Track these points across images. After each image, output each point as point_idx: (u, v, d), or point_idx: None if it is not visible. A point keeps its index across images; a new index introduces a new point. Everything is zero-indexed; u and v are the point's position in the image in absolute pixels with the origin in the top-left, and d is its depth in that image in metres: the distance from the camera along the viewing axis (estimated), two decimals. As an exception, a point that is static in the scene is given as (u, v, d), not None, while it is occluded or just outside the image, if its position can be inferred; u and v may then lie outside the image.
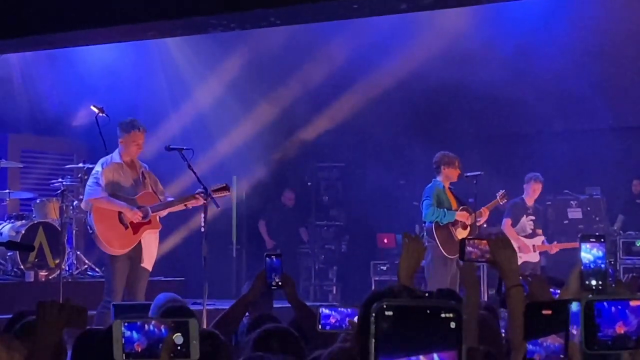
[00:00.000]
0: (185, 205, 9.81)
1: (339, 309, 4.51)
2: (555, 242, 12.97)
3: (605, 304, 2.47)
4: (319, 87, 14.73)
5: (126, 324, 2.91)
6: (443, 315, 1.68)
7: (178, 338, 2.90)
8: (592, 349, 2.50)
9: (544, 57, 13.93)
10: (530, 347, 2.62)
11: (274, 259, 5.24)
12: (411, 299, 1.87)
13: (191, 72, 15.11)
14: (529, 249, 12.67)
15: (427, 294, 5.21)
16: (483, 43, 13.90)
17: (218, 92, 14.92)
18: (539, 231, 12.90)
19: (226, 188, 9.92)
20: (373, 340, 1.67)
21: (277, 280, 5.21)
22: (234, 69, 14.67)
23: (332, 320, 4.50)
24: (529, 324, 2.65)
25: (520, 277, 4.10)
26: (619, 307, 2.49)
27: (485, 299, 12.40)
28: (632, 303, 2.51)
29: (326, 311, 4.51)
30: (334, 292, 15.97)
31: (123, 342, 2.90)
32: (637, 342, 2.51)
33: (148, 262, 9.64)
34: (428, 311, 1.69)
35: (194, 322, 2.91)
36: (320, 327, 4.66)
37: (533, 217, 12.89)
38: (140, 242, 9.58)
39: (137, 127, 9.63)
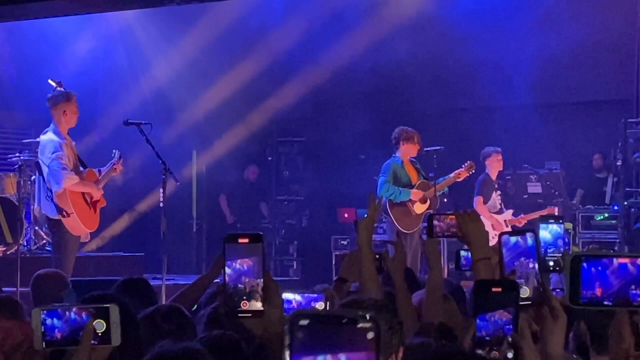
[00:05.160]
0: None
1: (305, 294, 4.43)
2: (522, 215, 12.96)
3: (585, 265, 2.49)
4: (279, 61, 14.69)
5: (45, 312, 2.87)
6: (360, 325, 1.64)
7: (99, 324, 2.86)
8: (577, 304, 2.52)
9: (503, 32, 13.96)
10: (478, 322, 2.63)
11: None
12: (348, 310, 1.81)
13: (151, 46, 14.99)
14: (501, 225, 12.59)
15: (377, 255, 5.24)
16: (441, 19, 13.93)
17: (178, 67, 14.84)
18: (503, 205, 12.92)
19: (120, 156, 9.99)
20: (287, 351, 1.64)
21: None
22: (194, 44, 14.58)
23: (294, 305, 4.38)
24: (479, 301, 2.66)
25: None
26: (599, 268, 2.51)
27: (446, 273, 12.45)
28: (616, 262, 2.52)
29: (289, 296, 4.39)
30: (295, 267, 15.96)
31: (43, 330, 2.86)
32: (612, 305, 2.53)
33: (85, 235, 9.70)
34: (345, 320, 1.65)
35: (114, 308, 2.87)
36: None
37: (499, 192, 12.88)
38: None
39: (73, 93, 9.64)
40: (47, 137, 9.58)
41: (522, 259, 2.93)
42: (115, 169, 9.90)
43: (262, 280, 2.87)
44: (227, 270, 2.86)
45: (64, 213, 9.48)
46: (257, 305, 2.85)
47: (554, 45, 13.76)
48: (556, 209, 13.35)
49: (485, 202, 12.66)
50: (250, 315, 2.87)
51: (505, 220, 12.69)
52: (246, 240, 2.88)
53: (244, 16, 14.03)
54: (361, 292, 4.59)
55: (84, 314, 2.86)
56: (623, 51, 13.84)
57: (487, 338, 2.64)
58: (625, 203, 13.01)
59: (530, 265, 2.91)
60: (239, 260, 2.85)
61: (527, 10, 14.12)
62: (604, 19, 13.72)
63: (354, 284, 5.04)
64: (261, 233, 2.95)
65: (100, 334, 2.86)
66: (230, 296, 2.85)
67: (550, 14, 14.13)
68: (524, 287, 2.86)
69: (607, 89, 14.40)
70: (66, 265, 9.36)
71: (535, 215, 12.95)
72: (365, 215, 4.76)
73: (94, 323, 2.85)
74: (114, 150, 10.05)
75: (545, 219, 3.88)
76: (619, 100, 14.24)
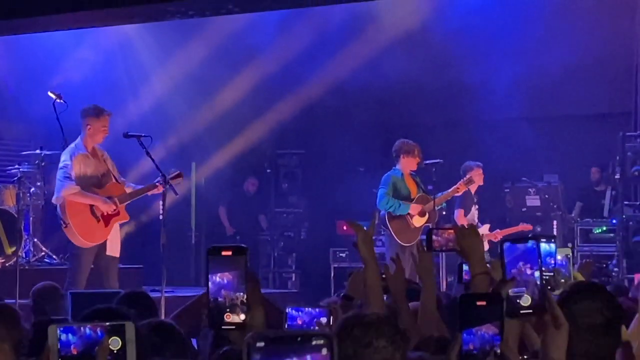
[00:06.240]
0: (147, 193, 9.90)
1: (306, 309, 4.49)
2: (497, 230, 12.97)
3: None
4: (278, 74, 14.70)
5: (62, 328, 2.85)
6: (314, 342, 1.68)
7: (114, 342, 2.84)
8: None
9: (502, 46, 13.99)
10: (465, 337, 2.64)
11: None
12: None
13: (150, 58, 15.01)
14: None
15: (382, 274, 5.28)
16: (441, 31, 13.95)
17: (177, 79, 14.85)
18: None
19: (180, 175, 10.00)
20: None
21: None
22: (193, 56, 14.59)
23: (299, 322, 4.45)
24: (464, 315, 2.67)
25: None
26: None
27: (444, 286, 12.45)
28: None
29: (293, 312, 4.46)
30: (293, 279, 15.95)
31: (59, 346, 2.84)
32: None
33: (112, 249, 9.71)
34: (299, 339, 1.69)
35: (130, 325, 2.86)
36: (286, 327, 4.65)
37: (477, 207, 12.87)
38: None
39: (105, 111, 9.72)
40: (68, 147, 9.77)
41: (524, 266, 2.92)
42: (157, 185, 9.86)
43: (242, 293, 2.87)
44: (210, 284, 2.87)
45: (62, 222, 9.56)
46: (239, 318, 2.86)
47: (552, 59, 13.78)
48: (529, 226, 13.31)
49: (465, 215, 12.64)
50: (233, 327, 2.88)
51: (482, 235, 12.65)
52: (229, 253, 2.90)
53: (243, 30, 14.06)
54: (365, 306, 4.60)
55: (98, 330, 2.85)
56: (621, 64, 13.86)
57: (474, 352, 2.66)
58: (624, 216, 13.01)
59: (532, 273, 2.91)
60: (219, 274, 2.86)
61: (526, 24, 14.14)
62: (602, 32, 13.75)
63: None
64: (244, 245, 2.95)
65: (115, 351, 2.85)
66: (214, 309, 2.86)
67: (549, 27, 14.16)
68: (526, 295, 2.86)
69: (605, 103, 14.42)
70: (78, 277, 9.41)
71: (511, 230, 12.95)
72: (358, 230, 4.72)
73: (109, 340, 2.84)
74: (171, 169, 10.13)
75: (538, 238, 3.88)
76: (617, 113, 14.25)
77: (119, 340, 2.83)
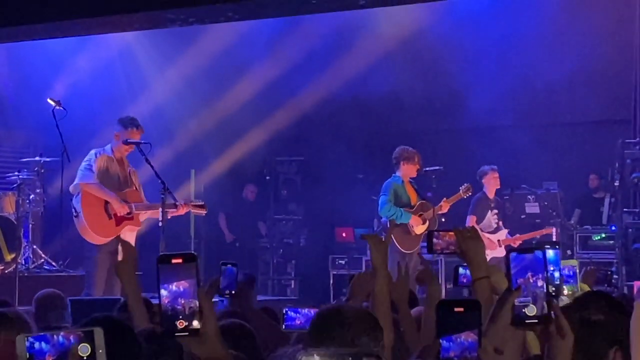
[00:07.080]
0: (165, 211, 9.88)
1: (302, 310, 4.55)
2: (517, 235, 13.00)
3: None
4: (277, 81, 14.71)
5: (32, 337, 2.85)
6: None
7: (84, 348, 2.84)
8: None
9: (503, 51, 14.00)
10: (444, 343, 2.64)
11: (229, 267, 5.17)
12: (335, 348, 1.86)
13: (150, 65, 15.02)
14: (494, 245, 12.55)
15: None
16: (438, 37, 13.98)
17: (177, 86, 14.86)
18: (501, 224, 12.93)
19: (204, 207, 10.41)
20: None
21: (231, 290, 5.13)
22: (192, 63, 14.60)
23: (297, 322, 4.53)
24: (441, 322, 2.67)
25: None
26: None
27: (444, 293, 12.45)
28: None
29: (291, 313, 4.54)
30: (292, 286, 15.94)
31: (30, 354, 2.84)
32: None
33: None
34: (350, 358, 1.70)
35: (99, 332, 2.86)
36: (284, 327, 4.70)
37: (496, 211, 12.88)
38: (119, 238, 9.73)
39: (135, 126, 9.94)
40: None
41: (530, 275, 2.91)
42: (177, 206, 9.95)
43: (197, 301, 2.87)
44: (164, 292, 2.86)
45: (74, 211, 9.69)
46: (193, 325, 2.86)
47: (551, 66, 13.81)
48: (553, 230, 13.36)
49: (479, 222, 12.60)
50: (187, 334, 2.88)
51: (498, 240, 12.69)
52: (180, 261, 2.87)
53: (242, 37, 14.07)
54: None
55: (71, 337, 2.84)
56: (621, 71, 13.87)
57: (455, 358, 2.66)
58: (623, 223, 13.01)
59: (538, 283, 2.90)
60: (175, 283, 2.86)
61: (525, 31, 14.16)
62: (601, 39, 13.77)
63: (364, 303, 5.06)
64: (194, 253, 2.94)
65: (85, 358, 2.84)
66: (168, 317, 2.86)
67: (548, 35, 14.18)
68: (531, 305, 2.85)
69: (604, 110, 14.42)
70: (94, 281, 9.46)
71: (532, 235, 13.00)
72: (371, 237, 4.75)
73: (79, 347, 2.83)
74: (198, 200, 10.33)
75: (541, 246, 3.89)
76: (616, 120, 14.26)
77: (89, 346, 2.83)
